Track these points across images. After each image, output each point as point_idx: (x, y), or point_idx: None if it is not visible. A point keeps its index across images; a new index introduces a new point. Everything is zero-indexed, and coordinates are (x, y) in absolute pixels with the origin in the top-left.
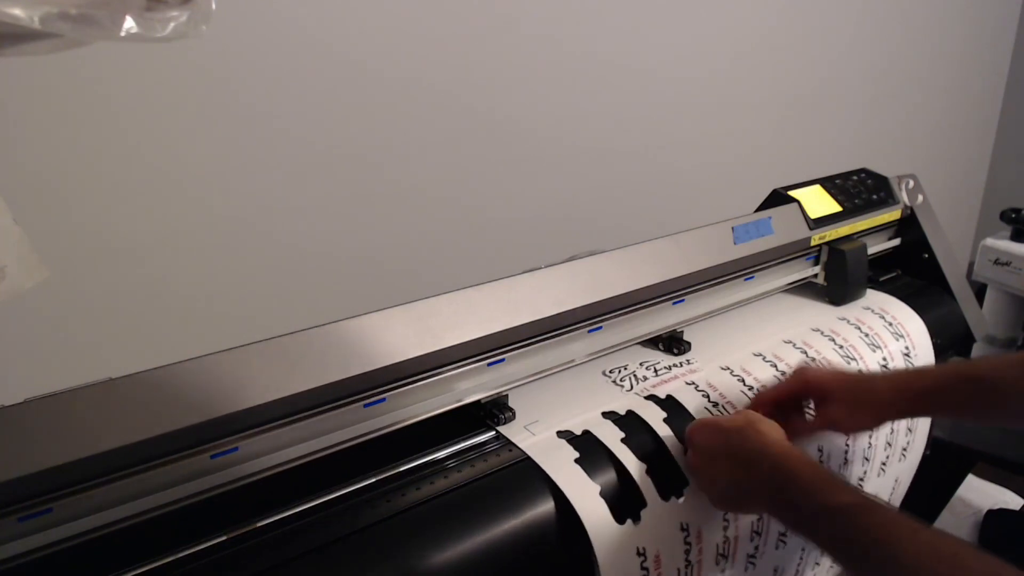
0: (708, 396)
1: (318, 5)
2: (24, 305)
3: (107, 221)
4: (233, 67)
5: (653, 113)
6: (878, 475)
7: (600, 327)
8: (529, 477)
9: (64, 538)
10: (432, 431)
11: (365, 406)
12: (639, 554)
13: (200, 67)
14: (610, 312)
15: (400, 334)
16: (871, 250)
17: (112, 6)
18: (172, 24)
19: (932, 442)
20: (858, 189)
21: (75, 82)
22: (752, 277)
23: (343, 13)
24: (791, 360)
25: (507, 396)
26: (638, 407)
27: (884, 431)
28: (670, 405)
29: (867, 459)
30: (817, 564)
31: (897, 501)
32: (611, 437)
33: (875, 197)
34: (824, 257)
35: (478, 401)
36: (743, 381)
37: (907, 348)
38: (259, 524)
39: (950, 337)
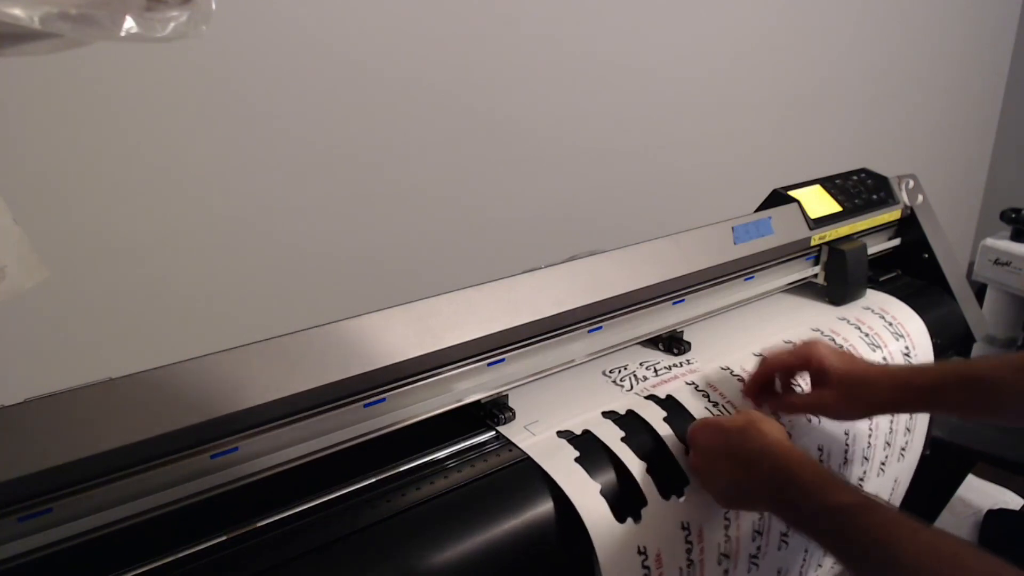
0: (708, 396)
1: (318, 5)
2: (24, 305)
3: (107, 221)
4: (233, 67)
5: (653, 113)
6: (877, 475)
7: (600, 327)
8: (529, 477)
9: (64, 538)
10: (432, 431)
11: (365, 406)
12: (640, 553)
13: (200, 67)
14: (610, 312)
15: (400, 334)
16: (871, 250)
17: (112, 6)
18: (172, 24)
19: (932, 442)
20: (858, 189)
21: (75, 82)
22: (752, 277)
23: (343, 13)
24: None
25: (507, 396)
26: (638, 407)
27: (883, 431)
28: (670, 405)
29: (867, 459)
30: (819, 566)
31: (897, 501)
32: (611, 436)
33: (875, 197)
34: (824, 257)
35: (478, 401)
36: (743, 381)
37: (907, 348)
38: (259, 524)
39: (950, 337)
